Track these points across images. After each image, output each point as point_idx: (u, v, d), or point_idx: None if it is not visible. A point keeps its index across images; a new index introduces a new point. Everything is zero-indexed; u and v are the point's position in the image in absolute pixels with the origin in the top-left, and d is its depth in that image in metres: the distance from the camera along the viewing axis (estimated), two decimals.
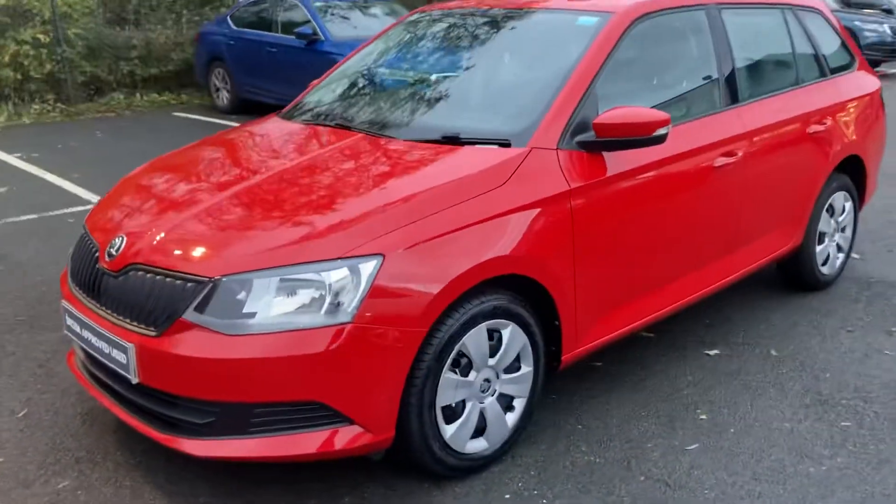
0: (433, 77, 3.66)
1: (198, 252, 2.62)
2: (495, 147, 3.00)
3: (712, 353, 3.80)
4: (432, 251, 2.62)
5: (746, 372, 3.61)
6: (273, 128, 3.73)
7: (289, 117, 3.81)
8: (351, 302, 2.48)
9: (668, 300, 3.51)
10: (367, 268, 2.51)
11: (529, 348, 2.95)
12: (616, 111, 3.04)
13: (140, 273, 2.64)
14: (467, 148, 3.03)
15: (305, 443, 2.53)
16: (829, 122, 4.25)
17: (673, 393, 3.44)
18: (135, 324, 2.60)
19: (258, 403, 2.50)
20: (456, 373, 2.74)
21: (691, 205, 3.51)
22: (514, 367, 2.94)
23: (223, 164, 3.41)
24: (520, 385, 2.97)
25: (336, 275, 2.49)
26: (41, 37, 10.87)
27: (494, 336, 2.84)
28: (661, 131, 3.05)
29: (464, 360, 2.76)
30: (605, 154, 3.12)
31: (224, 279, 2.49)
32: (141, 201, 3.07)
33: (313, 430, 2.53)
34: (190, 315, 2.49)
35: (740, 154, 3.67)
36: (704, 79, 3.72)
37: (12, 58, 10.71)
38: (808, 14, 4.46)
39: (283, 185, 2.95)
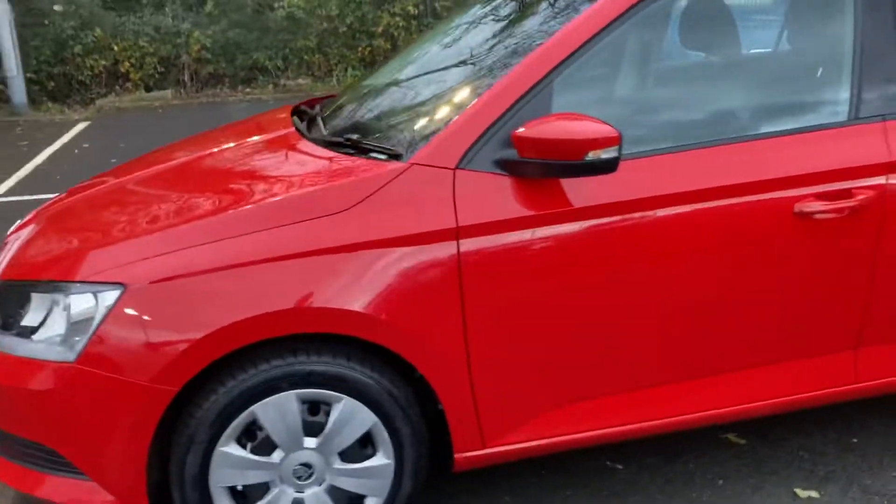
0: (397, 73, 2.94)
1: None
2: (370, 159, 2.23)
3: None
4: (200, 287, 2.02)
5: None
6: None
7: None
8: (83, 338, 2.02)
9: (668, 410, 2.35)
10: (107, 299, 2.02)
11: (386, 434, 2.17)
12: (553, 121, 2.05)
13: None
14: (342, 157, 2.30)
15: (56, 487, 2.16)
16: None
17: None
18: None
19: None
20: (245, 448, 2.12)
21: (729, 274, 2.28)
22: (361, 455, 2.20)
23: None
24: (371, 480, 2.21)
25: (78, 301, 2.05)
26: (411, 9, 11.50)
27: (321, 410, 2.14)
28: (602, 155, 1.98)
29: (262, 434, 2.12)
30: (563, 182, 2.14)
31: None
32: None
33: (61, 475, 2.15)
34: None
35: (865, 198, 2.28)
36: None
37: (385, 29, 11.51)
38: None
39: (121, 195, 2.56)
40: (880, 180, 2.29)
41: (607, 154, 1.99)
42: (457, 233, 2.08)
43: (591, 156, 1.99)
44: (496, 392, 2.21)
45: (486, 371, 2.17)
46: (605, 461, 2.66)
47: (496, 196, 2.12)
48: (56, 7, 11.02)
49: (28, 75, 10.62)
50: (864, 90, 2.32)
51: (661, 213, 2.19)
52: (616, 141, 1.99)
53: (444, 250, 2.08)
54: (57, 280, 2.11)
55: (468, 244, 2.09)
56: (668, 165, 2.22)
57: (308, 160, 2.43)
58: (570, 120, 2.03)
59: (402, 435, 2.18)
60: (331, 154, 2.34)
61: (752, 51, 2.91)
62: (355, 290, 2.05)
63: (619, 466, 2.66)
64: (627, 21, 2.21)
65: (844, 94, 2.33)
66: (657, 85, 2.93)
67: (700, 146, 2.26)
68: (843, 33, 2.34)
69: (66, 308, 2.05)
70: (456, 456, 2.25)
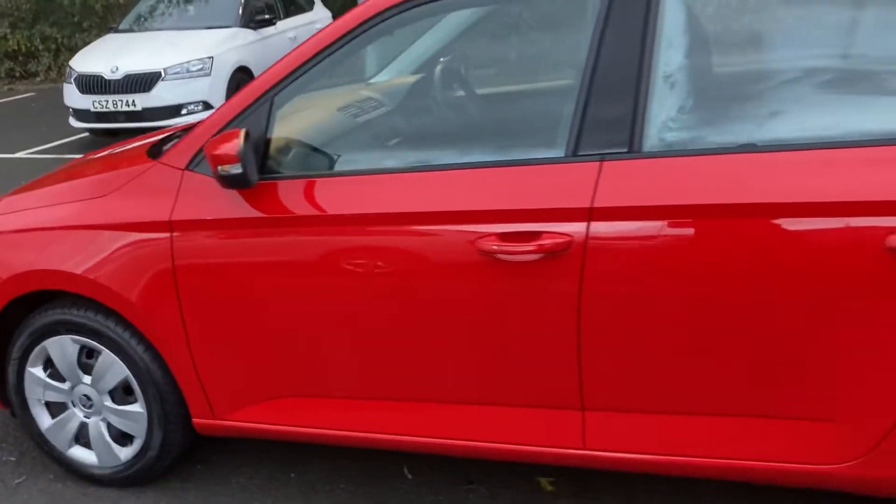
0: None
1: None
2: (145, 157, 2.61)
3: None
4: (10, 242, 2.65)
5: None
6: None
7: None
8: None
9: (375, 425, 2.36)
10: None
11: (137, 386, 2.60)
12: (217, 137, 2.24)
13: None
14: (146, 160, 2.68)
15: None
16: None
17: None
18: None
19: None
20: (45, 372, 2.72)
21: (414, 302, 2.20)
22: (125, 399, 2.66)
23: None
24: (133, 422, 2.66)
25: None
26: None
27: (94, 355, 2.65)
28: (231, 170, 2.14)
29: (54, 365, 2.71)
30: (280, 185, 2.33)
31: None
32: None
33: None
34: None
35: (556, 243, 2.04)
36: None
37: None
38: None
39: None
40: (579, 227, 2.02)
41: (235, 170, 2.15)
42: (170, 226, 2.40)
43: (221, 170, 2.16)
44: (216, 372, 2.48)
45: (203, 351, 2.46)
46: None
47: (206, 197, 2.37)
48: None
49: None
50: (586, 127, 2.05)
51: (344, 231, 2.24)
52: (234, 159, 2.13)
53: (161, 240, 2.42)
54: None
55: (179, 238, 2.40)
56: (353, 187, 2.25)
57: (133, 165, 2.73)
58: (225, 137, 2.21)
59: (148, 390, 2.59)
60: (147, 159, 2.73)
61: (470, 70, 2.59)
62: (93, 261, 2.49)
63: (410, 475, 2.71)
64: (338, 49, 2.27)
65: (565, 129, 2.08)
66: (363, 107, 2.81)
67: (398, 171, 2.23)
68: (576, 63, 2.07)
69: None
70: (193, 420, 2.59)
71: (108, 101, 8.25)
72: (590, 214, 2.01)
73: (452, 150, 2.33)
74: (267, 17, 9.42)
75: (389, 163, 2.32)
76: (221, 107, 2.41)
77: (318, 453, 2.86)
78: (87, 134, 8.97)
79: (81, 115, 8.49)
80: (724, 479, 2.15)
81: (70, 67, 8.73)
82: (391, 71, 3.18)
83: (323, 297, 2.30)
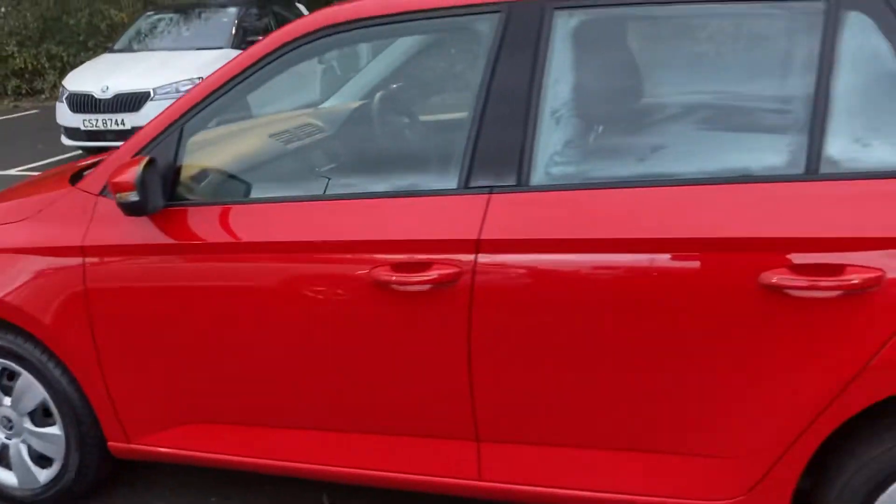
0: None
1: None
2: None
3: None
4: None
5: None
6: None
7: None
8: None
9: (306, 454, 2.37)
10: None
11: (55, 408, 2.62)
12: (121, 166, 2.27)
13: None
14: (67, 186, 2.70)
15: None
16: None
17: None
18: None
19: None
20: None
21: (310, 331, 2.22)
22: (44, 422, 2.68)
23: None
24: (52, 445, 2.68)
25: None
26: None
27: (17, 378, 2.67)
28: (130, 198, 2.17)
29: None
30: (189, 211, 2.36)
31: None
32: None
33: None
34: None
35: (444, 274, 2.05)
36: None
37: None
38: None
39: None
40: (467, 258, 2.03)
41: (133, 197, 2.17)
42: (83, 251, 2.43)
43: (119, 198, 2.19)
44: (128, 395, 2.50)
45: (114, 375, 2.48)
46: None
47: (117, 222, 2.39)
48: None
49: None
50: (477, 160, 2.06)
51: (242, 259, 2.26)
52: (131, 186, 2.15)
53: (74, 264, 2.44)
54: None
55: (91, 262, 2.42)
56: (255, 216, 2.27)
57: (53, 190, 2.73)
58: (126, 165, 2.23)
59: (66, 412, 2.61)
60: (67, 185, 2.71)
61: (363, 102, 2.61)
62: (10, 285, 2.52)
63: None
64: (244, 80, 2.30)
65: (458, 161, 2.09)
66: (296, 134, 2.83)
67: (296, 200, 2.26)
68: (470, 96, 2.09)
69: None
70: (108, 443, 2.60)
71: (97, 120, 8.35)
72: (477, 246, 2.02)
73: (354, 179, 2.35)
74: (260, 38, 9.50)
75: (293, 192, 2.34)
76: (135, 134, 2.44)
77: (240, 480, 2.86)
78: (80, 151, 9.07)
79: (72, 133, 8.59)
80: None
81: (63, 86, 8.85)
82: (341, 96, 3.23)
83: (222, 324, 2.31)
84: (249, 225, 2.29)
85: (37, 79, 14.78)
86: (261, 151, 2.74)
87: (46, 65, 14.59)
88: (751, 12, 1.99)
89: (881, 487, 1.87)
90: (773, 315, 1.83)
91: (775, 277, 1.80)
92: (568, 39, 2.04)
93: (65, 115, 8.62)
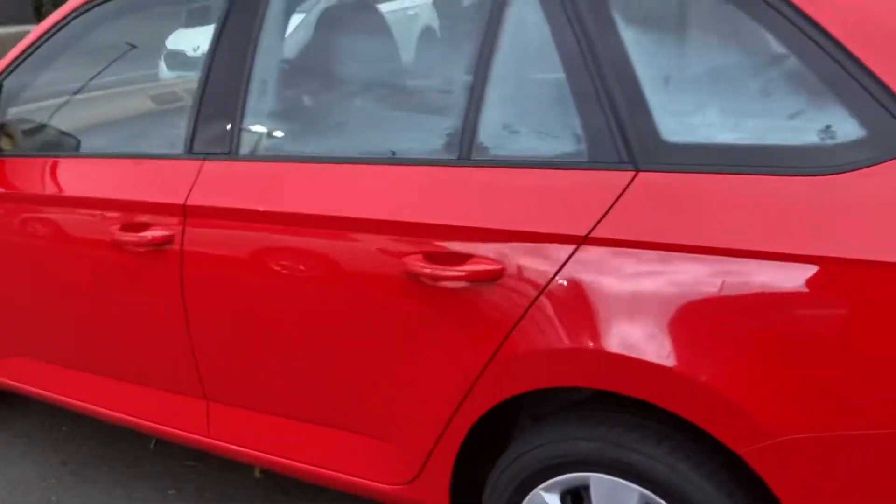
0: None
1: None
2: None
3: None
4: None
5: None
6: None
7: None
8: None
9: (92, 397, 2.54)
10: None
11: None
12: None
13: None
14: None
15: None
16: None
17: None
18: None
19: None
20: None
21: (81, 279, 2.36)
22: None
23: None
24: None
25: None
26: None
27: None
28: None
29: None
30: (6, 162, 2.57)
31: None
32: None
33: None
34: None
35: (156, 237, 2.13)
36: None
37: None
38: None
39: None
40: (177, 222, 2.10)
41: None
42: None
43: None
44: None
45: None
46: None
47: None
48: None
49: None
50: (199, 127, 2.12)
51: (34, 209, 2.45)
52: None
53: None
54: None
55: None
56: (53, 168, 2.44)
57: None
58: None
59: None
60: None
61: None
62: None
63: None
64: (50, 38, 2.46)
65: (187, 125, 2.15)
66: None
67: (71, 156, 2.41)
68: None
69: None
70: None
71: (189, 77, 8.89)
72: (184, 211, 2.09)
73: (107, 140, 2.48)
74: None
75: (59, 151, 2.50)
76: None
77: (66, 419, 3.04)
78: None
79: None
80: (326, 487, 2.15)
81: (164, 46, 9.46)
82: None
83: (25, 268, 2.51)
84: (45, 178, 2.46)
85: None
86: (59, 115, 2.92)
87: None
88: None
89: (521, 492, 1.79)
90: (412, 303, 1.78)
91: (412, 264, 1.75)
92: (280, 14, 2.05)
93: (162, 72, 9.23)
